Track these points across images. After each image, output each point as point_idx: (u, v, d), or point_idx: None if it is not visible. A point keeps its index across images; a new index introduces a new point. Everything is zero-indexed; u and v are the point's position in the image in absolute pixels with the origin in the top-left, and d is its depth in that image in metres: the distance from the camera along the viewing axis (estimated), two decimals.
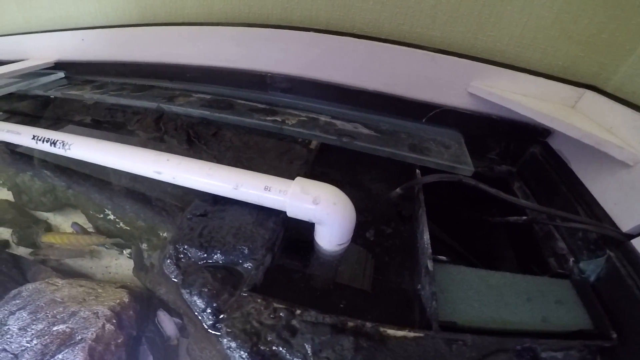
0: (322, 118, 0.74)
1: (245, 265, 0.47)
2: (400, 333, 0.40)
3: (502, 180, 0.78)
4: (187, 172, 0.51)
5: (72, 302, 0.71)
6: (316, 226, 0.49)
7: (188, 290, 0.44)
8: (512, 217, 0.61)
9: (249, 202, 0.50)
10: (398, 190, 0.62)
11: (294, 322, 0.40)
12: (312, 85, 0.79)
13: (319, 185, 0.46)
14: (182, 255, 0.48)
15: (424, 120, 0.77)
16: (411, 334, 0.40)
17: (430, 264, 0.48)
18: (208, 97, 0.81)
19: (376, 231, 0.58)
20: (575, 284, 0.52)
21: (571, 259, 0.56)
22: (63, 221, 0.92)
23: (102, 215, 0.84)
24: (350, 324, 0.40)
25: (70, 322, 0.66)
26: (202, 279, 0.44)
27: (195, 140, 0.69)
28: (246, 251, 0.47)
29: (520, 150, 0.77)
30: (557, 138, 0.71)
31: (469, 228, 0.71)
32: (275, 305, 0.42)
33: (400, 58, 0.73)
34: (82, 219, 0.90)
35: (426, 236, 0.52)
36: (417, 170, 0.66)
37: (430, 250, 0.50)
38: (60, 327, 0.65)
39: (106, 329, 0.65)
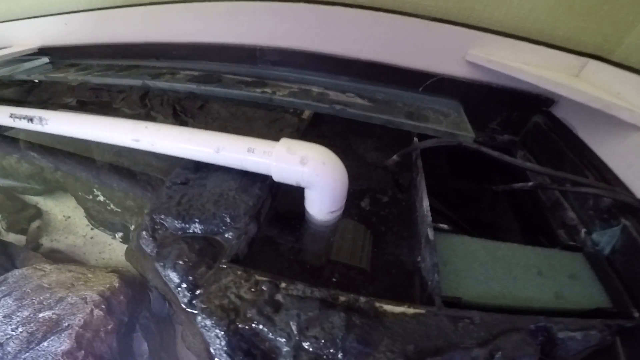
0: (315, 89, 0.68)
1: (227, 235, 0.40)
2: (398, 309, 0.34)
3: (505, 150, 0.71)
4: (165, 137, 0.45)
5: (59, 287, 0.66)
6: (306, 192, 0.42)
7: (162, 264, 0.38)
8: (517, 184, 0.54)
9: (232, 167, 0.43)
10: (395, 157, 0.55)
11: (278, 296, 0.34)
12: (303, 57, 0.72)
13: (306, 145, 0.39)
14: (158, 226, 0.42)
15: (420, 90, 0.70)
16: (411, 310, 0.34)
17: (430, 233, 0.42)
18: (196, 73, 0.75)
19: (372, 200, 0.51)
20: (588, 257, 0.46)
21: (583, 230, 0.49)
22: (54, 205, 0.87)
23: (91, 197, 0.77)
24: (342, 298, 0.34)
25: (56, 308, 0.61)
26: (177, 251, 0.38)
27: (181, 114, 0.63)
28: (227, 219, 0.41)
29: (522, 120, 0.71)
30: (561, 106, 0.65)
31: (470, 198, 0.65)
32: (257, 277, 0.35)
33: (393, 26, 0.66)
34: (72, 203, 0.84)
35: (425, 203, 0.46)
36: (415, 138, 0.59)
37: (430, 219, 0.44)
38: (47, 313, 0.60)
39: (94, 314, 0.59)
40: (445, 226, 0.46)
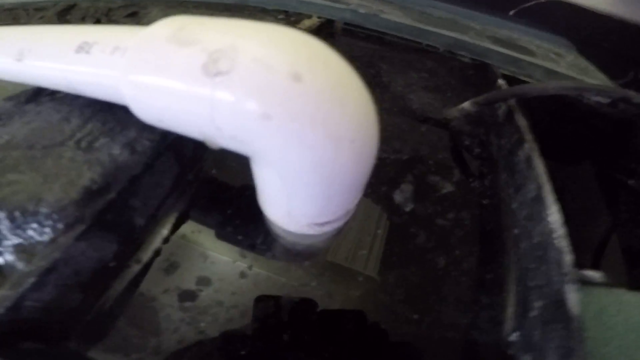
0: None
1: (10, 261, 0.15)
2: None
3: None
4: None
5: None
6: (253, 168, 0.16)
7: None
8: None
9: (64, 90, 0.17)
10: (467, 105, 0.26)
11: None
12: None
13: (231, 23, 0.12)
14: None
15: (511, 13, 0.39)
16: None
17: (572, 298, 0.15)
18: None
19: (418, 187, 0.23)
20: None
21: None
22: None
23: None
24: None
25: None
26: None
27: None
28: (42, 217, 0.15)
29: None
30: None
31: (586, 192, 0.35)
32: None
33: None
34: None
35: (554, 216, 0.18)
36: (500, 80, 0.30)
37: (570, 257, 0.16)
38: None
39: None
40: (596, 275, 0.18)
